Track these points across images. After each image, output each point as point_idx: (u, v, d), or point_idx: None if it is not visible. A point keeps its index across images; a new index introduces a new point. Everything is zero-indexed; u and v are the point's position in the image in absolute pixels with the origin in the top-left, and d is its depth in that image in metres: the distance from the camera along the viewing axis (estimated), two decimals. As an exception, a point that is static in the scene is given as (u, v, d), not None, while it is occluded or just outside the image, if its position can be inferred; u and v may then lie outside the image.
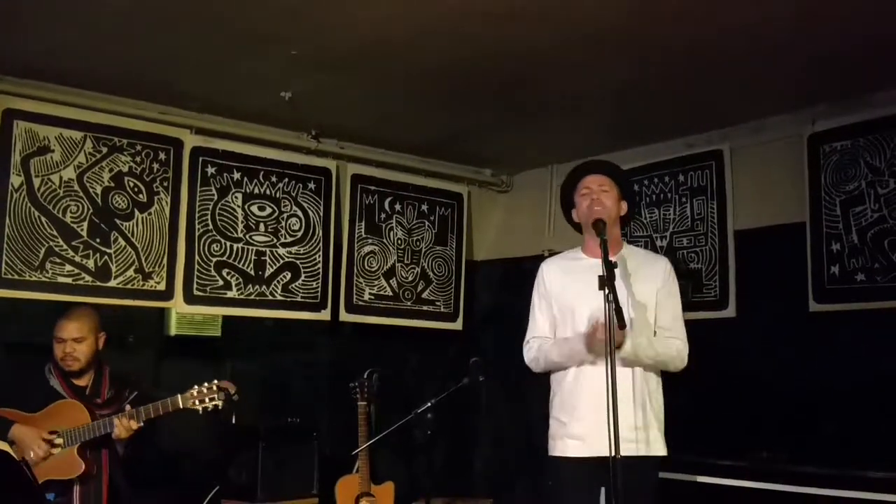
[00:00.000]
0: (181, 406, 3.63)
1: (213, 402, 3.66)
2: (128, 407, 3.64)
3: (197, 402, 3.64)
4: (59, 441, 3.59)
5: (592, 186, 3.33)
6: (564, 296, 3.36)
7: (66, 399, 3.69)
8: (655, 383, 3.31)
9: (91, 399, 3.74)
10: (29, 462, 3.53)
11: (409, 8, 3.31)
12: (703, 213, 4.72)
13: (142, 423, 3.60)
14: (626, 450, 2.90)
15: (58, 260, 4.21)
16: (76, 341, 3.73)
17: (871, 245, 4.02)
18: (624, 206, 3.39)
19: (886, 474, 3.50)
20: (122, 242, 4.40)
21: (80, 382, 3.79)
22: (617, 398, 2.83)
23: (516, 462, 5.41)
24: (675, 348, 3.31)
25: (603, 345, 3.01)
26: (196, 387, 3.66)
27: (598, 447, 3.05)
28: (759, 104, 4.35)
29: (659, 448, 3.26)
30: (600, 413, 2.93)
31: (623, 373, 3.10)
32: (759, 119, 4.52)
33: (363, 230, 5.26)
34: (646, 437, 3.22)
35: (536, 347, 3.40)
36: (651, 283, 3.33)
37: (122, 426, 3.56)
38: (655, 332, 3.34)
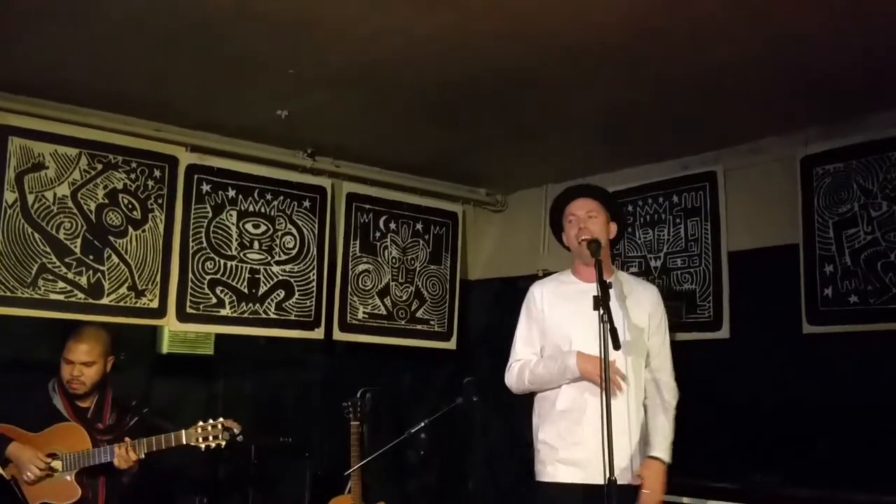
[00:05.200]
0: (184, 442, 3.58)
1: (217, 441, 3.61)
2: (128, 439, 3.57)
3: (200, 440, 3.60)
4: (58, 464, 3.54)
5: (579, 213, 3.31)
6: (557, 320, 3.34)
7: (68, 422, 3.64)
8: (643, 415, 3.32)
9: (93, 423, 3.69)
10: (24, 481, 3.50)
11: (405, 27, 3.32)
12: (697, 234, 4.73)
13: (142, 456, 3.55)
14: (622, 478, 2.88)
15: (50, 277, 4.19)
16: (85, 365, 3.68)
17: (864, 267, 4.03)
18: (613, 228, 3.38)
19: (876, 497, 3.49)
20: (116, 259, 4.39)
21: (84, 404, 3.75)
22: (611, 426, 2.81)
23: (509, 482, 5.38)
24: (670, 394, 3.33)
25: (592, 375, 3.07)
26: (201, 423, 3.62)
27: (592, 473, 3.04)
28: (752, 126, 4.37)
29: None
30: (597, 439, 2.92)
31: (619, 403, 3.10)
32: (752, 141, 4.54)
33: (357, 248, 5.26)
34: (636, 467, 3.23)
35: (520, 366, 3.39)
36: (643, 309, 3.34)
37: (122, 457, 3.51)
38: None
